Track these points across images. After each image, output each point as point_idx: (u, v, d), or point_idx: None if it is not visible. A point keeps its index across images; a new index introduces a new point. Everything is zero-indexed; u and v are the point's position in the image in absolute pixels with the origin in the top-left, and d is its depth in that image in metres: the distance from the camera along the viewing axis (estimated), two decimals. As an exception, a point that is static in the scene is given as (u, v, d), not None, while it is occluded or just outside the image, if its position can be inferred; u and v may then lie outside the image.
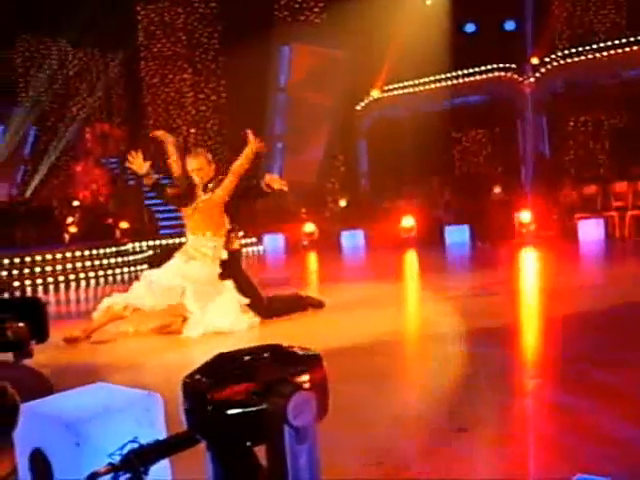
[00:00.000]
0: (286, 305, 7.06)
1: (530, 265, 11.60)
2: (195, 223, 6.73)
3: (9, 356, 3.39)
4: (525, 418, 3.65)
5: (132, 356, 5.72)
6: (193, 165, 6.85)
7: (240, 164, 6.68)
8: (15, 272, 12.96)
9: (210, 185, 6.78)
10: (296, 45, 23.97)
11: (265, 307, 6.76)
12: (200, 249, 6.60)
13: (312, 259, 15.25)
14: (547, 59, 20.21)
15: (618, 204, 14.63)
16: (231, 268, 6.76)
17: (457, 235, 15.91)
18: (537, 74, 20.16)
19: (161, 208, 21.00)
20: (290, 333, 6.05)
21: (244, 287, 6.73)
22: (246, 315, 6.57)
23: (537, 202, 15.07)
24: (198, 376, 1.82)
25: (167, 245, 16.18)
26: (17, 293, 12.02)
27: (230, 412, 1.72)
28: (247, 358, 1.85)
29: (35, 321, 2.31)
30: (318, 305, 7.27)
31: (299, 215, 19.26)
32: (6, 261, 13.01)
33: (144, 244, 16.53)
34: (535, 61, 20.31)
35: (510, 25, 21.89)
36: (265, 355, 1.87)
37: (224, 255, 6.66)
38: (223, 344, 5.75)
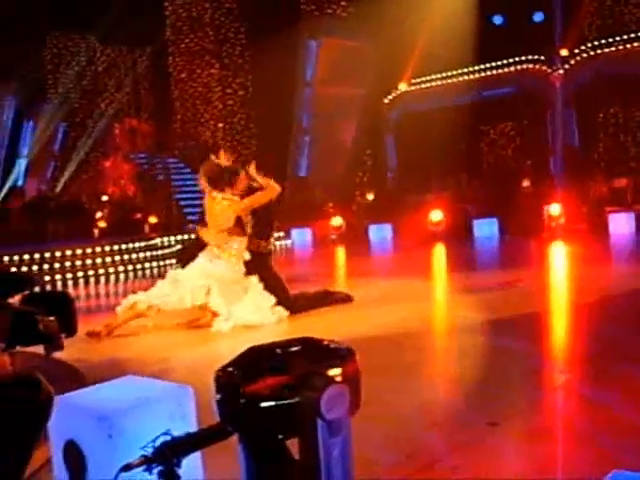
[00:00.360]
0: (313, 301, 7.07)
1: (559, 259, 11.48)
2: (213, 217, 6.73)
3: (40, 349, 3.43)
4: (557, 412, 3.62)
5: (162, 349, 5.75)
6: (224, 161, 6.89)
7: (251, 203, 6.69)
8: (45, 266, 13.08)
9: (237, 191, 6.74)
10: (323, 39, 23.93)
11: (292, 304, 6.77)
12: (224, 248, 6.60)
13: (340, 253, 15.23)
14: (576, 50, 19.99)
15: (649, 197, 14.46)
16: (259, 268, 6.78)
17: (486, 228, 15.81)
18: (566, 66, 19.96)
19: (189, 202, 21.14)
20: (318, 327, 6.04)
21: (272, 286, 6.75)
22: (274, 309, 6.58)
23: (567, 195, 14.92)
24: (231, 369, 1.82)
25: (194, 239, 16.24)
26: (47, 287, 12.13)
27: (263, 405, 1.71)
28: (279, 351, 1.85)
29: (64, 315, 2.33)
30: (346, 299, 7.27)
31: (327, 209, 19.26)
32: (37, 256, 13.14)
33: (172, 238, 16.60)
34: (564, 53, 20.10)
35: (539, 16, 21.68)
36: (297, 348, 1.87)
37: (247, 256, 6.65)
38: (252, 338, 5.77)
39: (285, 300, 6.74)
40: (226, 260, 6.59)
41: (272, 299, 6.61)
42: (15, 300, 2.26)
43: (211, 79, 28.33)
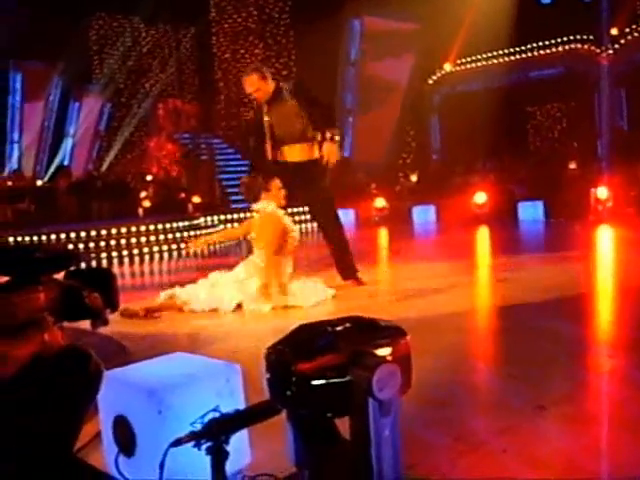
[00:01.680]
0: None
1: (606, 242, 11.30)
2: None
3: (87, 325, 3.48)
4: (605, 397, 3.56)
5: (206, 328, 5.80)
6: (247, 89, 6.83)
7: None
8: (91, 245, 13.28)
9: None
10: (367, 18, 23.73)
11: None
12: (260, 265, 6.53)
13: (383, 235, 15.18)
14: (627, 30, 19.54)
15: (700, 179, 14.14)
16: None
17: (531, 211, 15.62)
18: (616, 46, 19.54)
19: (232, 183, 21.22)
20: (358, 308, 6.03)
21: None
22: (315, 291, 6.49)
23: (614, 178, 14.64)
24: (281, 347, 1.82)
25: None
26: (91, 264, 12.32)
27: (314, 383, 1.71)
28: (330, 329, 1.84)
29: (107, 291, 2.35)
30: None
31: (370, 190, 19.18)
32: (83, 234, 13.34)
33: (216, 218, 16.72)
34: (614, 32, 19.67)
35: (588, -5, 21.23)
36: (347, 327, 1.86)
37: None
38: (295, 317, 5.79)
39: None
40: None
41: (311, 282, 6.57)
42: (60, 276, 2.28)
43: (255, 59, 28.32)
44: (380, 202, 17.51)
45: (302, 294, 6.38)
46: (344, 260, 7.04)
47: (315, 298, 6.40)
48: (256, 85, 6.82)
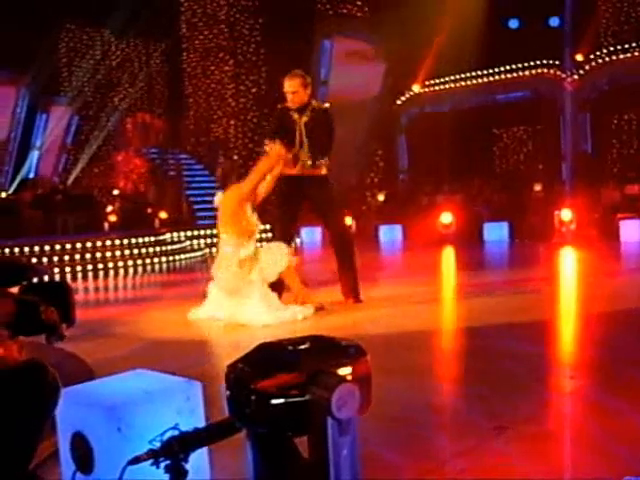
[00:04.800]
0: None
1: (569, 264, 11.45)
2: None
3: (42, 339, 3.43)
4: (566, 418, 3.60)
5: (168, 344, 5.76)
6: (286, 87, 6.96)
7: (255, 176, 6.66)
8: (55, 259, 13.13)
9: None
10: (337, 39, 23.88)
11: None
12: (223, 254, 6.56)
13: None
14: (592, 56, 19.90)
15: (661, 204, 14.39)
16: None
17: (496, 232, 15.77)
18: (581, 71, 19.88)
19: (199, 199, 21.15)
20: (324, 327, 6.03)
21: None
22: (281, 310, 6.47)
23: (578, 201, 14.86)
24: (241, 365, 1.82)
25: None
26: (53, 278, 12.18)
27: (273, 402, 1.71)
28: (290, 348, 1.84)
29: (63, 305, 2.34)
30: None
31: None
32: (47, 248, 13.19)
33: (182, 234, 16.63)
34: (579, 58, 20.03)
35: (554, 21, 21.61)
36: (308, 346, 1.86)
37: (245, 253, 6.47)
38: (254, 336, 5.77)
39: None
40: (224, 268, 6.51)
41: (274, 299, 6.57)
42: (14, 290, 2.26)
43: (225, 76, 28.34)
44: (347, 221, 17.54)
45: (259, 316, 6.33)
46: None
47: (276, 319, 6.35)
48: (296, 88, 6.98)
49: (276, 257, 6.49)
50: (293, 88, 6.96)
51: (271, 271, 6.45)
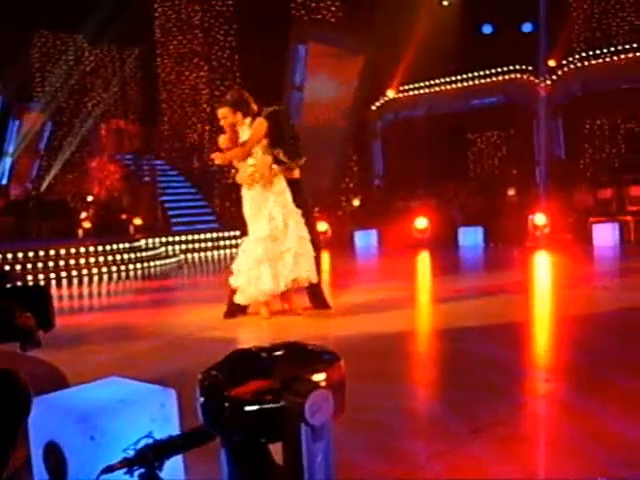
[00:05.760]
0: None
1: (543, 267, 11.54)
2: None
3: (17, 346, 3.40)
4: (541, 420, 3.62)
5: (144, 352, 5.72)
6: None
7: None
8: (29, 266, 13.02)
9: None
10: (312, 44, 23.92)
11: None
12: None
13: (324, 258, 15.21)
14: (564, 62, 20.11)
15: (633, 208, 14.55)
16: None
17: (471, 237, 15.85)
18: (554, 77, 20.07)
19: (174, 205, 21.08)
20: (302, 332, 6.03)
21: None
22: None
23: (552, 205, 14.98)
24: (215, 372, 1.81)
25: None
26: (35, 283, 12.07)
27: (247, 409, 1.71)
28: (264, 355, 1.84)
29: (41, 310, 2.31)
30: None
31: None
32: (20, 255, 13.08)
33: (157, 240, 16.56)
34: (552, 64, 20.22)
35: (527, 27, 21.83)
36: (282, 352, 1.86)
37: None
38: (229, 345, 5.76)
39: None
40: None
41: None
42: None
43: (199, 81, 28.32)
44: (322, 226, 17.56)
45: None
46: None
47: None
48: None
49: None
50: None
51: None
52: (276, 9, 25.21)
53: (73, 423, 2.33)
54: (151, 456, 1.96)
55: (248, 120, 6.88)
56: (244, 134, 6.86)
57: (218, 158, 6.95)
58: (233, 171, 7.07)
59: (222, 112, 7.03)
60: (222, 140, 6.98)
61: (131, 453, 1.98)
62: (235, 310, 6.82)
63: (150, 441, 2.01)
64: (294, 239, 6.62)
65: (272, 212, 6.61)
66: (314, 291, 7.05)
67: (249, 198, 6.75)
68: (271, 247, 6.52)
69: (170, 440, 2.05)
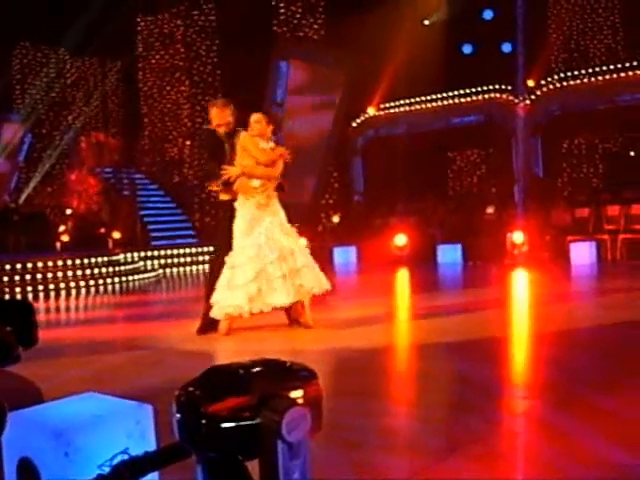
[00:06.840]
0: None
1: (520, 285, 11.60)
2: None
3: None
4: (517, 438, 3.63)
5: (121, 366, 5.69)
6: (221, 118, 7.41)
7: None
8: (6, 279, 12.91)
9: None
10: (294, 61, 24.01)
11: None
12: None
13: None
14: (543, 82, 20.32)
15: (610, 227, 14.67)
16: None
17: (449, 254, 15.92)
18: (532, 96, 20.27)
19: (153, 219, 21.01)
20: (280, 349, 6.02)
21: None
22: None
23: (530, 223, 15.09)
24: (191, 389, 1.80)
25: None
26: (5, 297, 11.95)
27: (224, 425, 1.70)
28: (241, 372, 1.83)
29: (21, 325, 2.28)
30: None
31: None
32: (-3, 268, 12.98)
33: (136, 255, 16.48)
34: (531, 83, 20.42)
35: (507, 47, 22.03)
36: (259, 369, 1.86)
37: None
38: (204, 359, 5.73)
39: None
40: None
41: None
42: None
43: (180, 96, 28.29)
44: (301, 242, 17.55)
45: None
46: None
47: None
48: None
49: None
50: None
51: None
52: (258, 26, 25.29)
53: (47, 439, 2.31)
54: (126, 473, 1.95)
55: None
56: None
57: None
58: (216, 187, 7.06)
59: (258, 116, 7.04)
60: (256, 153, 6.88)
61: (106, 470, 1.96)
62: (208, 325, 6.80)
63: (126, 457, 1.99)
64: (304, 253, 6.77)
65: (271, 234, 6.67)
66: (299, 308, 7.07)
67: (245, 213, 6.75)
68: (277, 265, 6.61)
69: (146, 456, 2.03)
